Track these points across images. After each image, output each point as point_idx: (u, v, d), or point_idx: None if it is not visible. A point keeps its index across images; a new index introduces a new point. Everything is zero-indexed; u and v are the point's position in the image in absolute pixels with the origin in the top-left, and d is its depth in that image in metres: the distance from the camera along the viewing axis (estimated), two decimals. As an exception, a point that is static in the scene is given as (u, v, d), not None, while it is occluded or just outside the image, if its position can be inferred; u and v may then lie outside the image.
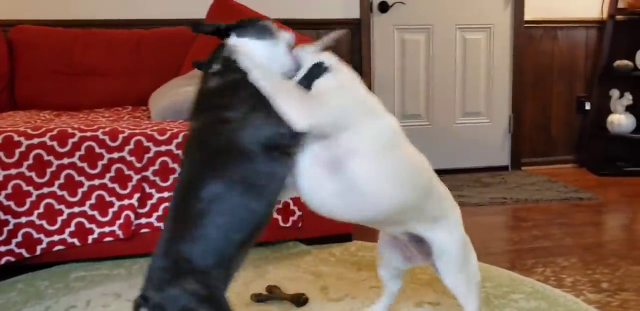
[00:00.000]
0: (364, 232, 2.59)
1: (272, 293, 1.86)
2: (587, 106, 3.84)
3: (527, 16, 3.71)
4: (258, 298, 1.84)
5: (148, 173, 2.16)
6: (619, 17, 3.74)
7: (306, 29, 3.34)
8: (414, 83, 3.70)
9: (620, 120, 3.73)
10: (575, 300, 1.80)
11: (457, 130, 3.77)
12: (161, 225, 2.18)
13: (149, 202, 2.17)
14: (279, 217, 2.29)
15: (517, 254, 2.28)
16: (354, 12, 3.52)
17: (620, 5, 3.71)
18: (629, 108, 3.77)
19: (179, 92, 2.57)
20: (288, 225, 2.30)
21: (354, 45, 3.53)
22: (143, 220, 2.16)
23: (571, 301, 1.78)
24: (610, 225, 2.70)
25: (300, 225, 2.33)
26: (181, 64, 2.98)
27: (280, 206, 2.29)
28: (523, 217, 2.79)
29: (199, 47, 2.92)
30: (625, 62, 3.68)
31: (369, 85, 3.60)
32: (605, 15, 3.75)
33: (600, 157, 3.84)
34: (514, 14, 3.70)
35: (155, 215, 2.17)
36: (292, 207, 2.30)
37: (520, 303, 1.78)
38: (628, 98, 3.73)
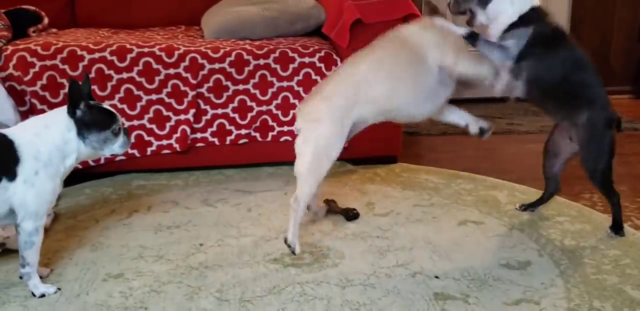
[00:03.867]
0: (408, 155, 2.64)
1: (328, 206, 1.94)
2: (652, 34, 3.64)
3: None
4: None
5: (203, 90, 2.22)
6: None
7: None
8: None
9: (686, 50, 3.52)
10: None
11: (510, 57, 3.64)
12: (215, 140, 2.27)
13: (204, 118, 2.24)
14: (328, 137, 2.33)
15: (565, 180, 2.27)
16: None
17: None
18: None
19: (231, 12, 2.56)
20: (337, 144, 2.35)
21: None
22: (198, 135, 2.25)
23: (616, 225, 1.81)
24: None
25: (346, 145, 2.37)
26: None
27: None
28: (573, 146, 2.75)
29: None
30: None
31: (418, 7, 3.47)
32: None
33: (660, 89, 3.69)
34: None
35: (209, 130, 2.25)
36: (341, 127, 2.34)
37: (565, 225, 1.82)
38: None
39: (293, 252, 1.62)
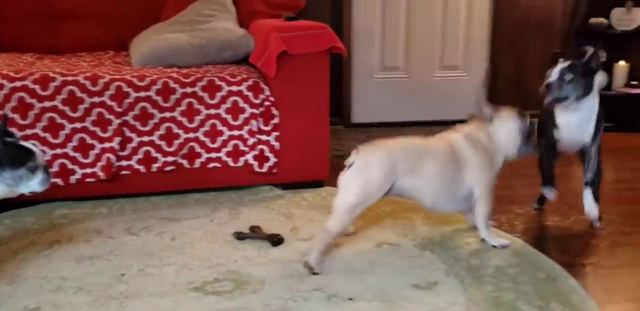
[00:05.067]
0: (335, 179, 2.72)
1: (253, 232, 2.00)
2: (562, 62, 3.93)
3: (509, -30, 3.72)
4: (239, 236, 1.98)
5: (128, 118, 2.24)
6: (597, -27, 3.75)
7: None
8: (393, 35, 3.74)
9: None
10: (523, 244, 1.97)
11: (435, 83, 3.84)
12: (141, 167, 2.29)
13: (129, 146, 2.26)
14: (255, 163, 2.40)
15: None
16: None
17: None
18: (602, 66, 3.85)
19: (160, 39, 2.60)
20: (263, 170, 2.42)
21: (336, -6, 3.53)
22: (124, 163, 2.26)
23: (519, 245, 1.95)
24: (572, 176, 2.85)
25: (275, 170, 2.44)
26: (161, 9, 2.97)
27: (257, 152, 2.40)
28: (488, 168, 2.93)
29: (180, -7, 2.91)
30: (601, 19, 3.73)
31: (348, 37, 3.63)
32: (585, -29, 3.77)
33: (570, 113, 3.97)
34: (497, -33, 3.70)
35: (135, 157, 2.27)
36: (267, 153, 2.41)
37: (473, 245, 1.95)
38: (602, 56, 3.81)
39: (315, 272, 1.72)
